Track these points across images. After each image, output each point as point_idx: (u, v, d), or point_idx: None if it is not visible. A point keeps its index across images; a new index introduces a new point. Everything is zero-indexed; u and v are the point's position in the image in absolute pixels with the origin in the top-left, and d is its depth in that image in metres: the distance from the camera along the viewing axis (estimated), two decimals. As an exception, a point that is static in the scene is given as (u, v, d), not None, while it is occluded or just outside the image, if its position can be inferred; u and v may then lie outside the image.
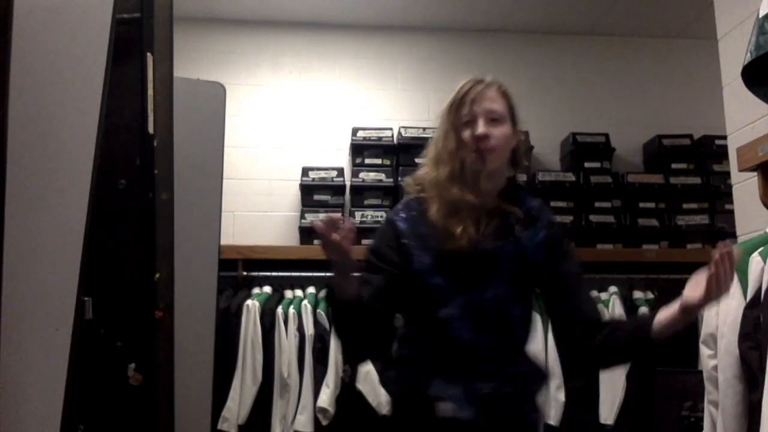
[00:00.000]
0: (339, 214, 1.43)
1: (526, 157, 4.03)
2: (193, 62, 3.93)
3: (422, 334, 1.63)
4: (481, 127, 1.62)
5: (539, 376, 1.69)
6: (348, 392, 3.29)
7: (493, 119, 1.65)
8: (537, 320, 3.38)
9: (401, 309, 1.68)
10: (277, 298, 3.55)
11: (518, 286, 1.63)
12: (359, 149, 3.99)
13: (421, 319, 1.63)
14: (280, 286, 3.65)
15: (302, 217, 3.85)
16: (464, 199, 1.59)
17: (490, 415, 1.55)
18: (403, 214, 1.67)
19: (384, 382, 1.80)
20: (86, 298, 1.50)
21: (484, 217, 1.62)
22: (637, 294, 3.67)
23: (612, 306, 3.48)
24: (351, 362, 1.61)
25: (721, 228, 3.82)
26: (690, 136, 4.09)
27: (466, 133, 1.63)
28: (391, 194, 3.87)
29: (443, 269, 1.59)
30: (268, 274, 3.66)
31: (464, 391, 1.54)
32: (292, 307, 3.43)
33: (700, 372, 2.08)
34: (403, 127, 4.05)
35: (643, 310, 3.52)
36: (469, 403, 1.53)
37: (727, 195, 2.82)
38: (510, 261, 1.61)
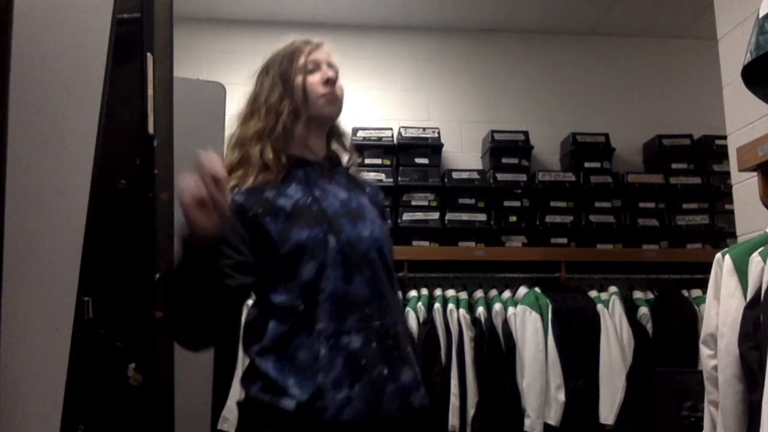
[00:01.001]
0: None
1: (525, 156, 4.04)
2: (193, 62, 3.93)
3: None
4: (329, 72, 1.59)
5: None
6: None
7: (333, 70, 1.62)
8: (537, 320, 3.39)
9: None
10: (277, 298, 3.54)
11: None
12: (359, 149, 3.97)
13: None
14: (280, 286, 3.65)
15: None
16: (263, 156, 1.52)
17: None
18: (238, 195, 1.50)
19: None
20: (86, 298, 1.50)
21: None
22: (637, 294, 3.68)
23: (612, 306, 3.48)
24: (189, 343, 1.39)
25: (721, 228, 3.83)
26: (690, 136, 4.09)
27: (314, 78, 1.58)
28: (391, 194, 3.87)
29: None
30: (268, 274, 3.66)
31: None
32: (292, 307, 3.43)
33: (700, 372, 2.08)
34: (403, 127, 4.05)
35: (644, 310, 3.53)
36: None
37: (727, 195, 2.82)
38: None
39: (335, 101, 1.60)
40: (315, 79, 1.59)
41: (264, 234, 1.47)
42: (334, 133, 1.68)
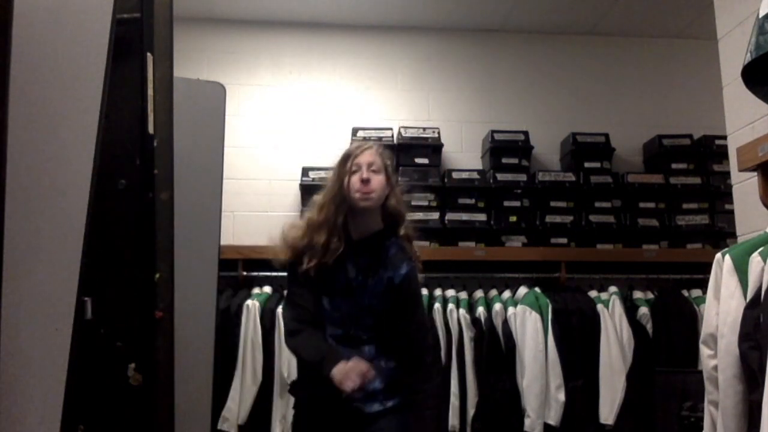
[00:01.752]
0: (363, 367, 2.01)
1: (525, 156, 4.03)
2: (193, 62, 3.94)
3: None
4: (365, 173, 2.13)
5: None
6: (348, 392, 3.29)
7: (372, 170, 2.15)
8: (537, 320, 3.39)
9: None
10: (277, 298, 3.55)
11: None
12: (359, 149, 3.98)
13: None
14: (280, 286, 3.65)
15: (302, 217, 3.84)
16: (326, 244, 2.12)
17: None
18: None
19: None
20: (86, 298, 1.50)
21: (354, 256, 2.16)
22: (637, 294, 3.68)
23: (612, 306, 3.48)
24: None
25: (721, 228, 3.83)
26: (690, 136, 4.09)
27: (354, 178, 2.14)
28: (391, 194, 3.87)
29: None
30: (268, 274, 3.66)
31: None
32: (292, 307, 3.43)
33: (700, 372, 2.08)
34: (403, 127, 4.05)
35: (644, 310, 3.53)
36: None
37: (727, 195, 2.82)
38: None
39: (366, 197, 2.14)
40: (354, 179, 2.14)
41: None
42: (387, 215, 2.23)
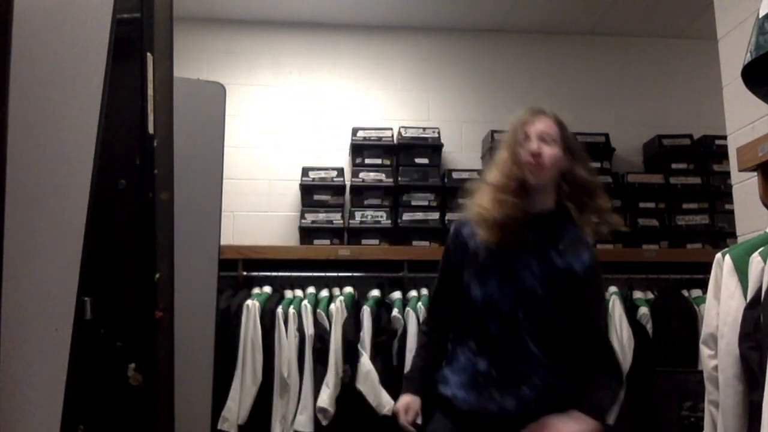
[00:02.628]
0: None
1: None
2: (193, 62, 3.93)
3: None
4: (534, 144, 1.84)
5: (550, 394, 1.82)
6: (348, 392, 3.29)
7: (544, 140, 1.86)
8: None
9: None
10: (277, 298, 3.55)
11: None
12: (359, 149, 3.99)
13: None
14: (280, 286, 3.65)
15: (302, 217, 3.85)
16: (510, 209, 1.83)
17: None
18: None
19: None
20: (86, 298, 1.50)
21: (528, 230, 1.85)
22: (637, 294, 3.67)
23: (612, 306, 3.48)
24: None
25: (721, 228, 3.82)
26: (690, 136, 4.09)
27: (523, 150, 1.85)
28: (391, 194, 3.87)
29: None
30: (268, 274, 3.66)
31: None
32: (292, 307, 3.43)
33: (700, 372, 2.08)
34: (403, 127, 4.05)
35: (644, 310, 3.53)
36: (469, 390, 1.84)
37: (727, 195, 2.82)
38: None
39: (538, 170, 1.84)
40: (523, 151, 1.86)
41: None
42: (563, 190, 1.91)
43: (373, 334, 3.38)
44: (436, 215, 3.87)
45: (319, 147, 4.13)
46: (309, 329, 3.36)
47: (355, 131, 4.00)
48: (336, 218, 3.83)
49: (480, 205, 1.88)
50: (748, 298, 1.84)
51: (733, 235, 2.68)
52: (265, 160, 4.11)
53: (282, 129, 4.16)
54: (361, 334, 3.37)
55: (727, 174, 2.73)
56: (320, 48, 4.29)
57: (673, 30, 4.36)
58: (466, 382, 1.84)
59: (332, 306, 3.42)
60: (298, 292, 3.58)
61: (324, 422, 3.25)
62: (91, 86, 1.45)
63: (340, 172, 3.95)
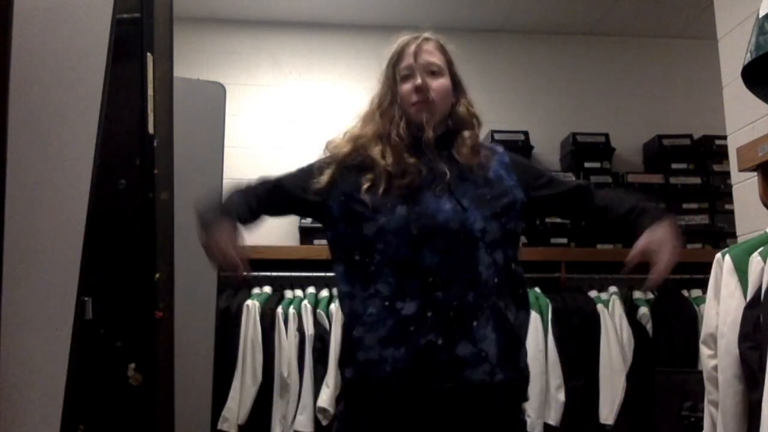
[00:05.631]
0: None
1: (525, 156, 4.02)
2: (193, 62, 3.93)
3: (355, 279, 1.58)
4: (419, 79, 1.62)
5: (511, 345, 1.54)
6: (348, 392, 3.29)
7: (432, 71, 1.65)
8: (537, 320, 3.39)
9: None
10: (277, 298, 3.54)
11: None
12: (359, 149, 3.98)
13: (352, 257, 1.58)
14: (280, 286, 3.65)
15: (302, 217, 3.85)
16: (381, 161, 1.60)
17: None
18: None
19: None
20: (86, 298, 1.50)
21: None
22: (637, 294, 3.67)
23: (612, 306, 3.48)
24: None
25: (721, 228, 3.82)
26: (690, 136, 4.08)
27: (406, 86, 1.64)
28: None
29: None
30: (268, 274, 3.66)
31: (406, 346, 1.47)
32: (292, 307, 3.43)
33: (700, 372, 2.08)
34: (403, 127, 4.05)
35: (643, 310, 3.52)
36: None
37: (727, 195, 2.82)
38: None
39: (424, 108, 1.62)
40: (405, 89, 1.65)
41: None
42: (456, 127, 1.69)
43: (373, 334, 3.38)
44: (436, 215, 3.87)
45: (319, 147, 4.12)
46: (309, 329, 3.35)
47: (355, 131, 4.00)
48: (336, 218, 3.82)
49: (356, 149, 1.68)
50: (748, 297, 1.85)
51: (733, 235, 2.67)
52: (265, 160, 4.11)
53: (282, 129, 4.16)
54: (361, 334, 3.36)
55: (727, 174, 2.73)
56: (320, 48, 4.29)
57: (673, 30, 4.36)
58: (391, 335, 1.47)
59: (332, 306, 3.42)
60: (298, 292, 3.58)
61: (324, 422, 3.25)
62: (91, 86, 1.45)
63: (340, 172, 3.94)
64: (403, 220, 1.54)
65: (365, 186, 1.60)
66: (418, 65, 1.64)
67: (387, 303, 1.50)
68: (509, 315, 1.55)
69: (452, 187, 1.58)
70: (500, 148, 1.75)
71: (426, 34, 1.70)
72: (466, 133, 1.68)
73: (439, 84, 1.65)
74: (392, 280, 1.51)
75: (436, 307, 1.49)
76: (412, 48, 1.66)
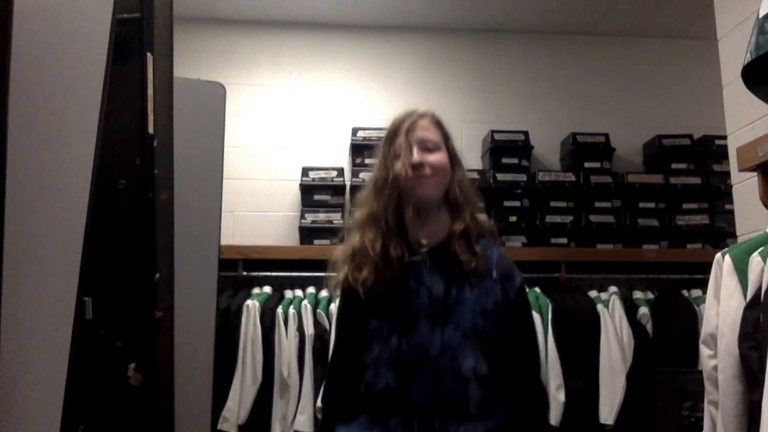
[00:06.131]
0: None
1: (525, 156, 4.03)
2: (193, 62, 3.93)
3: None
4: (415, 155, 1.60)
5: None
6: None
7: (427, 148, 1.63)
8: (537, 320, 3.39)
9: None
10: (277, 298, 3.55)
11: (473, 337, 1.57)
12: (359, 149, 3.99)
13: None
14: (280, 286, 3.65)
15: (302, 217, 3.85)
16: (373, 247, 1.60)
17: None
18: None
19: None
20: (86, 298, 1.50)
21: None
22: (637, 294, 3.67)
23: (612, 306, 3.48)
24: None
25: (721, 228, 3.83)
26: (690, 136, 4.09)
27: (399, 164, 1.62)
28: (391, 194, 3.87)
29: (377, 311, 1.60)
30: (268, 274, 3.66)
31: None
32: (292, 307, 3.44)
33: (700, 372, 2.08)
34: (403, 127, 4.05)
35: (643, 310, 3.53)
36: None
37: (727, 195, 2.82)
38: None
39: (423, 184, 1.60)
40: (399, 166, 1.61)
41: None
42: (455, 209, 1.68)
43: (373, 334, 3.38)
44: (436, 215, 3.86)
45: (319, 147, 4.13)
46: (309, 329, 3.36)
47: (355, 131, 4.00)
48: (336, 218, 3.83)
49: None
50: (748, 297, 1.84)
51: (733, 235, 2.68)
52: (265, 160, 4.11)
53: (282, 129, 4.16)
54: (361, 334, 3.36)
55: (727, 174, 2.73)
56: (320, 48, 4.29)
57: (673, 30, 4.36)
58: None
59: (332, 306, 3.42)
60: (298, 292, 3.58)
61: (324, 422, 3.25)
62: (91, 86, 1.45)
63: (341, 172, 3.95)
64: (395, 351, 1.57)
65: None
66: (413, 140, 1.63)
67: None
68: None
69: (448, 313, 1.58)
70: (495, 255, 1.70)
71: (421, 111, 1.70)
72: (464, 241, 1.66)
73: (436, 159, 1.64)
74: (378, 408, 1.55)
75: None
76: (406, 125, 1.65)
